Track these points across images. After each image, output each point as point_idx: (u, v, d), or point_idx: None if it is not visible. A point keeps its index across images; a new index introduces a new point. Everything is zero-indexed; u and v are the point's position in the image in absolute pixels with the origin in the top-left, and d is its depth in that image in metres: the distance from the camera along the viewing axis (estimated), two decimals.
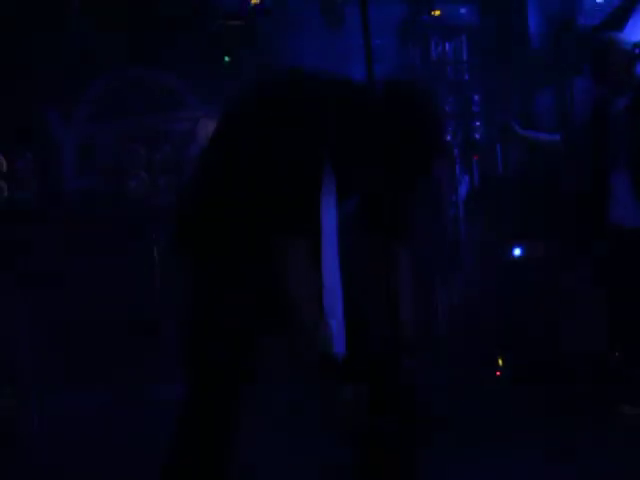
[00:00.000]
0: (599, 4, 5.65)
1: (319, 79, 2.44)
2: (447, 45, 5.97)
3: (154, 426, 4.34)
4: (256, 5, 5.93)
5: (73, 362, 5.56)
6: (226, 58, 6.13)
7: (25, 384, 5.34)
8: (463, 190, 6.04)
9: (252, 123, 2.32)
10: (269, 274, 2.19)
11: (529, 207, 5.75)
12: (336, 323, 2.25)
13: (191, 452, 2.32)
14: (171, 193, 6.00)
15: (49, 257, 5.53)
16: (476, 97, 6.02)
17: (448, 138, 5.80)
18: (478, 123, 6.02)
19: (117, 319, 5.64)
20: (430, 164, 2.29)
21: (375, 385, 2.20)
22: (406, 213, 2.49)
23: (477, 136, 6.01)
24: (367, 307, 2.48)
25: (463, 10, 6.05)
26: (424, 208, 5.50)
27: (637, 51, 4.75)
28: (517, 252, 5.80)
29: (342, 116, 2.25)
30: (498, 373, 5.63)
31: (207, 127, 5.91)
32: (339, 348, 2.23)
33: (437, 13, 5.66)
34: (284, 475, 3.64)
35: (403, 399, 2.34)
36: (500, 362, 5.67)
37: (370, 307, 2.47)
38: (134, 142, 6.11)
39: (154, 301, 5.61)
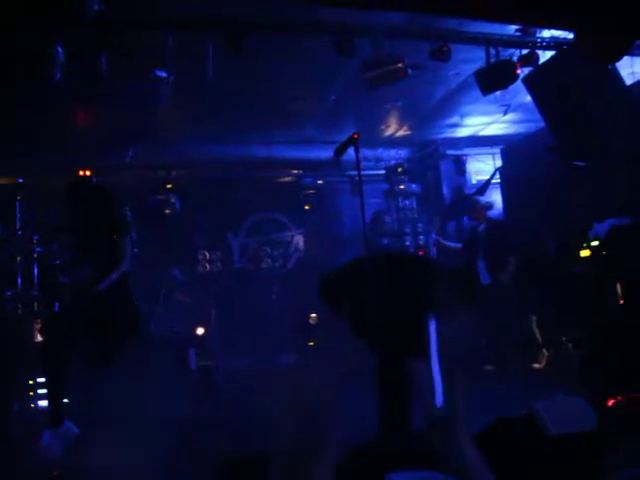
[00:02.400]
0: (474, 184, 9.73)
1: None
2: (406, 201, 10.13)
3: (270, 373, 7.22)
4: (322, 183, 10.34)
5: (232, 344, 8.58)
6: (306, 207, 10.39)
7: (214, 352, 7.91)
8: None
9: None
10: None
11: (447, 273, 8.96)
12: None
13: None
14: (278, 270, 10.24)
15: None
16: (420, 224, 9.96)
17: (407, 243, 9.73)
18: (422, 236, 9.81)
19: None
20: None
21: None
22: None
23: (422, 242, 9.76)
24: None
25: (414, 185, 10.21)
26: None
27: (488, 204, 7.73)
28: None
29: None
30: None
31: (297, 239, 10.30)
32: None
33: (402, 187, 9.88)
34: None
35: None
36: None
37: None
38: (264, 246, 10.30)
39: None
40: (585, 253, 5.78)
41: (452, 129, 9.52)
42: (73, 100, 6.72)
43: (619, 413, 3.74)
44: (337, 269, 4.26)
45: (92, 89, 6.16)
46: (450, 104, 8.26)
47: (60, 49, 5.10)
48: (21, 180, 7.41)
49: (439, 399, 2.97)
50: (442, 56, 5.87)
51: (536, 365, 6.55)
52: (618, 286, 5.32)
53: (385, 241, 9.20)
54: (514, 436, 2.83)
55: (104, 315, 4.52)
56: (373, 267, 3.68)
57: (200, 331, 7.91)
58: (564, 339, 6.20)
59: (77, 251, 4.74)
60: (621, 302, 5.25)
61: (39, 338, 6.11)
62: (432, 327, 3.52)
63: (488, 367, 6.80)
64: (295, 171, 10.38)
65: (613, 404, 3.99)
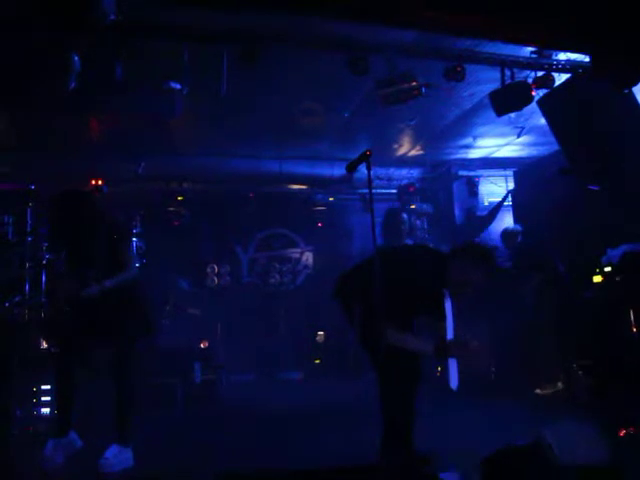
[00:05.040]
0: (486, 206, 9.66)
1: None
2: (418, 221, 10.05)
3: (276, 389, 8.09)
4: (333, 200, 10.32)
5: (238, 358, 8.61)
6: (319, 224, 10.37)
7: (220, 368, 7.75)
8: None
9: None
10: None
11: None
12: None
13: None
14: (287, 286, 10.19)
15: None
16: (431, 245, 9.75)
17: None
18: None
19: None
20: None
21: None
22: None
23: None
24: None
25: (425, 205, 10.13)
26: None
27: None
28: None
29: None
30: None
31: (307, 256, 10.25)
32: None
33: (413, 206, 9.85)
34: None
35: None
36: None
37: None
38: (273, 261, 10.28)
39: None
40: (597, 279, 5.69)
41: (465, 150, 9.47)
42: (87, 109, 6.74)
43: (631, 444, 3.71)
44: (354, 266, 4.10)
45: (107, 98, 6.18)
46: (464, 125, 8.21)
47: (76, 58, 5.11)
48: (33, 187, 7.40)
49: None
50: (456, 76, 5.82)
51: (545, 391, 6.40)
52: (631, 313, 5.24)
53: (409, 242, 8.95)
54: (522, 463, 2.75)
55: (108, 323, 4.47)
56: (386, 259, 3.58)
57: (203, 344, 7.86)
58: (574, 366, 6.06)
59: (74, 262, 4.69)
60: (634, 330, 5.15)
61: (45, 345, 6.14)
62: (448, 305, 3.55)
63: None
64: (306, 187, 10.33)
65: (624, 435, 3.89)
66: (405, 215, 9.73)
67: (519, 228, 7.56)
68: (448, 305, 3.60)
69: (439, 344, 3.52)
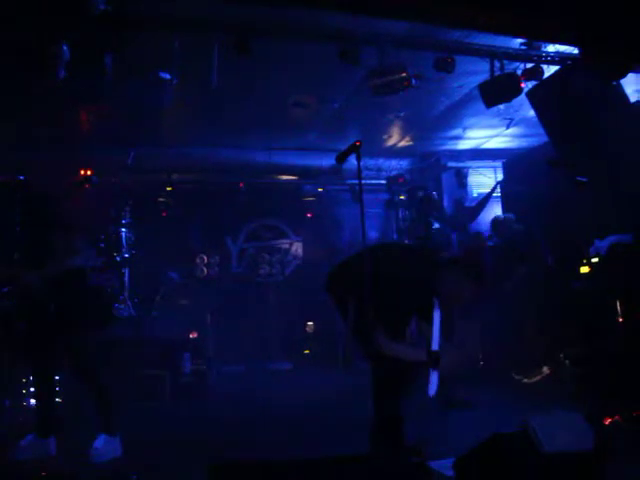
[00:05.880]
0: (475, 197, 9.67)
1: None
2: (407, 211, 9.99)
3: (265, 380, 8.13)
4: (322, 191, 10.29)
5: (228, 349, 8.58)
6: (308, 215, 10.35)
7: (210, 359, 7.72)
8: None
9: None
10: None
11: None
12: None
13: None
14: (276, 276, 10.20)
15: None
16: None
17: None
18: None
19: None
20: None
21: None
22: None
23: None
24: None
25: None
26: None
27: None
28: None
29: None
30: None
31: (296, 247, 10.25)
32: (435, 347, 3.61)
33: (402, 197, 9.82)
34: None
35: None
36: None
37: None
38: (263, 252, 10.29)
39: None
40: (585, 269, 5.77)
41: (454, 141, 9.49)
42: (77, 99, 6.69)
43: (616, 432, 3.77)
44: (346, 259, 4.11)
45: (96, 89, 6.15)
46: (453, 116, 8.22)
47: (66, 47, 5.07)
48: (22, 177, 7.33)
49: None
50: (447, 67, 5.83)
51: (531, 380, 6.47)
52: (618, 304, 5.31)
53: (437, 225, 8.85)
54: (509, 452, 2.79)
55: (61, 317, 4.44)
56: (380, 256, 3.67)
57: (192, 335, 7.74)
58: (561, 355, 6.13)
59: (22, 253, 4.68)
60: (620, 320, 5.23)
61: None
62: (436, 314, 3.55)
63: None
64: (295, 178, 10.33)
65: (610, 423, 3.95)
66: (435, 193, 9.03)
67: (511, 216, 7.54)
68: (436, 315, 3.59)
69: (431, 352, 3.54)
